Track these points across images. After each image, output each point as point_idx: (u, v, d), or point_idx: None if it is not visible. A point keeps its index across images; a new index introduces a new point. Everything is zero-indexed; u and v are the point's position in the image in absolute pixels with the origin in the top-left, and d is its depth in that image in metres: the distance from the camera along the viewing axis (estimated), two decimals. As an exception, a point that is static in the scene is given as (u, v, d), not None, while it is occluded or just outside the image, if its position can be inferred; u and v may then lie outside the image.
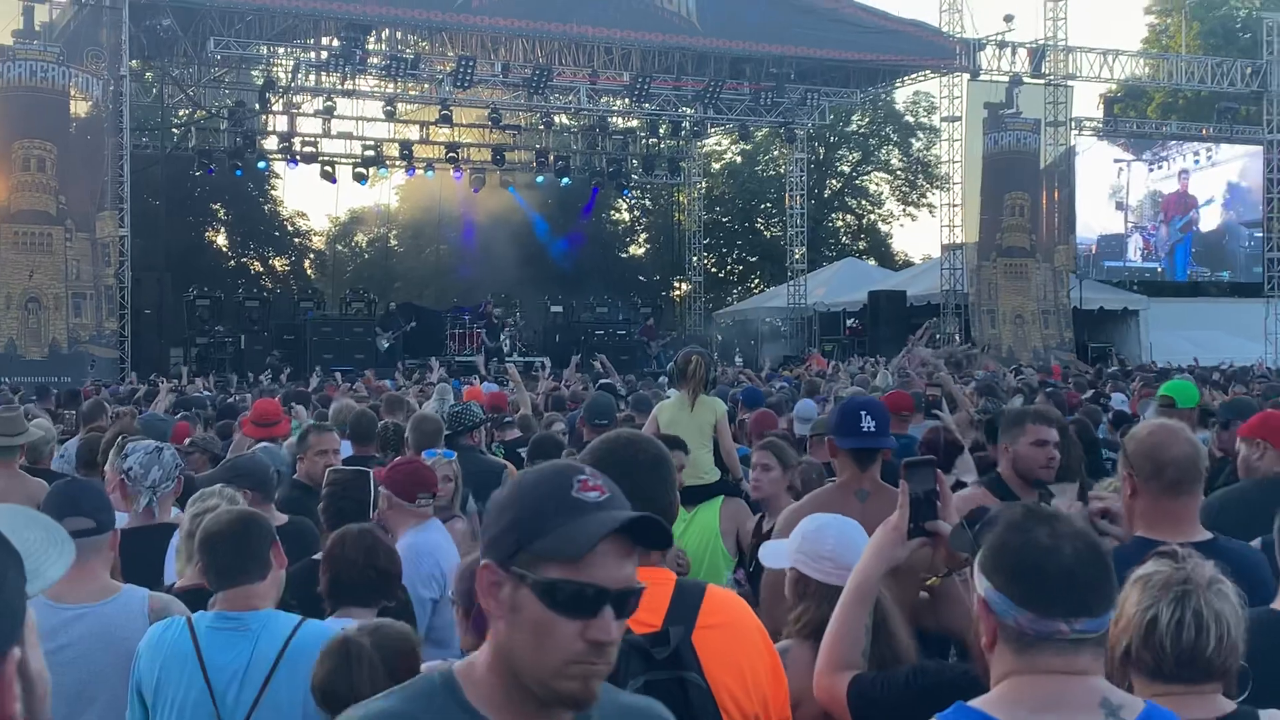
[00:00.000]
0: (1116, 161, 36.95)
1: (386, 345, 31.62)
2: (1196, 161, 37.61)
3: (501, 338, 32.15)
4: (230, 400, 14.87)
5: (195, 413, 12.07)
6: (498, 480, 7.82)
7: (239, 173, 36.26)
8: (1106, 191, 36.87)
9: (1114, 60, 34.79)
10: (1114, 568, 2.53)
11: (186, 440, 8.61)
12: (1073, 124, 34.96)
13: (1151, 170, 37.40)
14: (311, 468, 7.02)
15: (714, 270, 51.85)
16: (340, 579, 4.35)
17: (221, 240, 49.37)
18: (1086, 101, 63.52)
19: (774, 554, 3.84)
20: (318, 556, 5.08)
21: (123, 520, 5.21)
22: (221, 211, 47.80)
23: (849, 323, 37.11)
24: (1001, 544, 2.52)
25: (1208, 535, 3.87)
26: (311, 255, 52.49)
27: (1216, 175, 37.73)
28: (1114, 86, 37.30)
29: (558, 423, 10.73)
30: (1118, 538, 4.19)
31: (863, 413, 5.16)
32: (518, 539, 2.04)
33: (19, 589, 1.53)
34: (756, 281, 54.03)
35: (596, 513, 2.04)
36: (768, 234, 53.03)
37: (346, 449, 8.11)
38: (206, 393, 17.59)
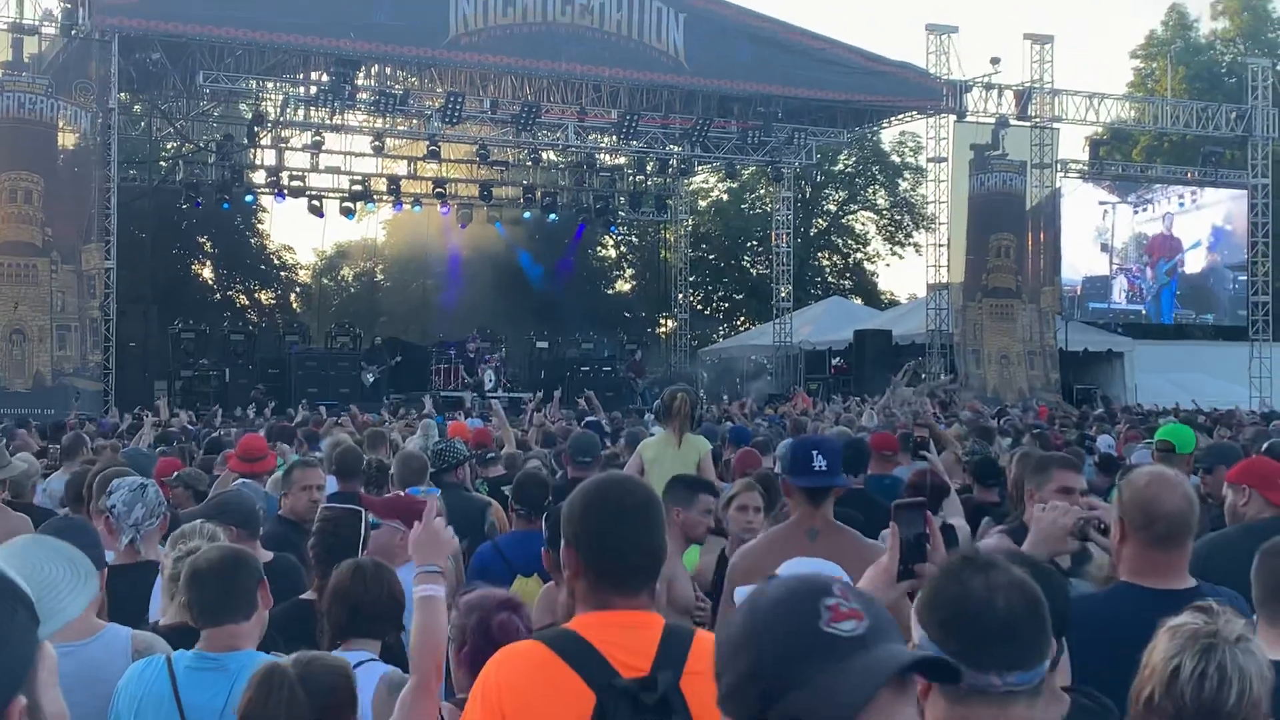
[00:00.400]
0: (1101, 204, 37.11)
1: (371, 380, 31.56)
2: (1181, 205, 37.80)
3: (486, 373, 32.11)
4: (215, 435, 14.80)
5: (179, 447, 12.02)
6: (481, 518, 7.80)
7: (226, 206, 36.26)
8: (1091, 234, 37.02)
9: (1100, 103, 35.01)
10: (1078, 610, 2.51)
11: (174, 474, 8.56)
12: (1058, 166, 35.14)
13: (1136, 213, 37.58)
14: (296, 503, 6.99)
15: (700, 307, 51.92)
16: (360, 611, 4.34)
17: (207, 273, 49.35)
18: (1072, 144, 63.88)
19: None
20: (306, 596, 5.05)
21: (108, 558, 5.17)
22: (208, 244, 47.80)
23: (834, 361, 37.19)
24: (935, 593, 2.50)
25: (1192, 583, 3.85)
26: (297, 289, 52.50)
27: (1201, 218, 37.92)
28: (1100, 129, 37.51)
29: (533, 460, 10.65)
30: (1105, 548, 4.19)
31: (814, 451, 5.19)
32: (763, 693, 1.70)
33: (27, 635, 1.51)
34: (742, 319, 54.15)
35: (860, 653, 1.70)
36: (754, 272, 53.18)
37: (331, 485, 8.08)
38: (190, 426, 17.52)
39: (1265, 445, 9.58)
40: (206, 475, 9.15)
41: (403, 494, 6.64)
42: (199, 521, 5.03)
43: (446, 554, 4.02)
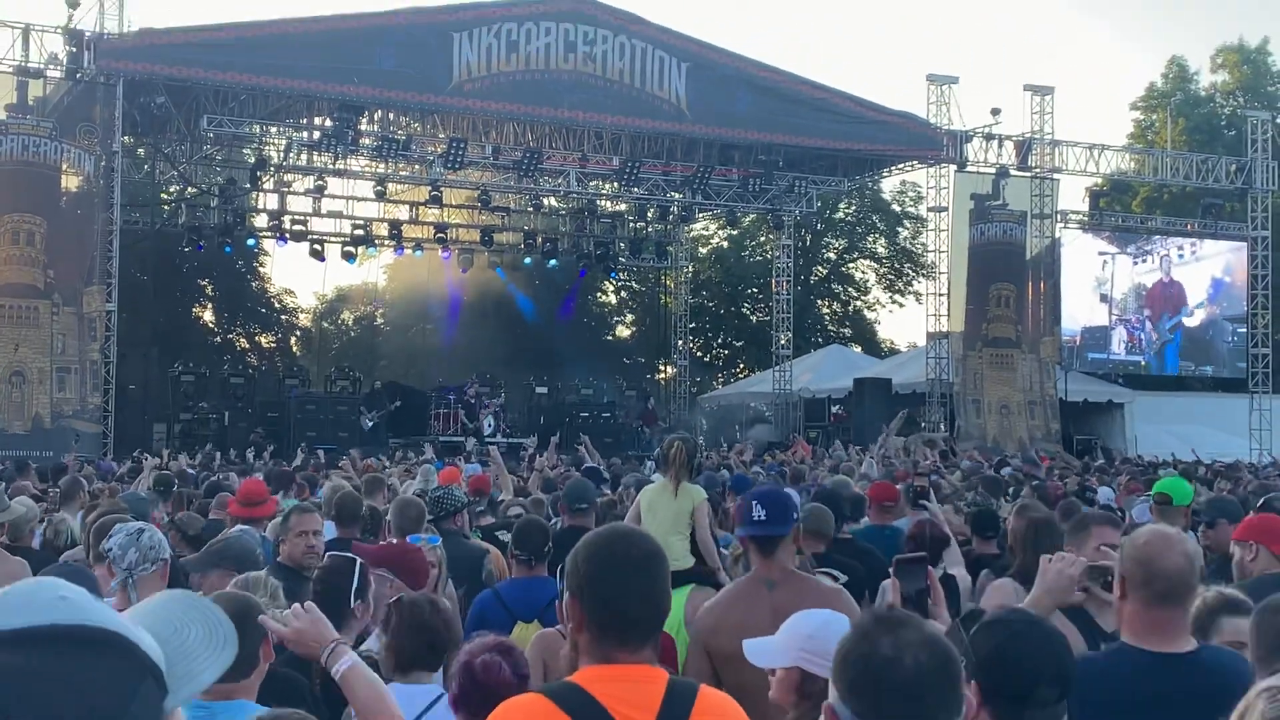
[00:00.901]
0: (1101, 254, 37.18)
1: (370, 424, 31.54)
2: (1180, 256, 37.88)
3: (486, 419, 32.09)
4: (214, 479, 14.78)
5: (179, 491, 11.99)
6: (479, 566, 7.78)
7: (228, 249, 36.35)
8: (1091, 284, 37.07)
9: (1100, 155, 35.15)
10: (1071, 665, 2.49)
11: (165, 519, 8.55)
12: (1058, 216, 35.25)
13: (1135, 264, 37.65)
14: (293, 549, 6.95)
15: (700, 354, 51.96)
16: (434, 645, 4.51)
17: (208, 316, 49.41)
18: (1072, 195, 64.12)
19: (763, 652, 3.78)
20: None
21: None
22: (209, 288, 47.88)
23: (834, 409, 37.17)
24: (845, 653, 2.50)
25: (1193, 645, 3.83)
26: (298, 333, 52.55)
27: (1201, 270, 37.98)
28: (1100, 180, 37.66)
29: (514, 508, 10.61)
30: (1106, 600, 4.18)
31: (754, 503, 5.24)
32: None
33: (152, 708, 1.40)
34: (742, 366, 54.19)
35: None
36: (754, 319, 53.24)
37: (330, 530, 8.06)
38: (189, 470, 17.51)
39: (1263, 500, 9.56)
40: (201, 518, 9.13)
41: (394, 542, 6.62)
42: (264, 575, 4.96)
43: (328, 636, 4.05)
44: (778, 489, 6.50)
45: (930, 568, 3.57)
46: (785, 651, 3.68)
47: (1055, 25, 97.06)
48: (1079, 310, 36.81)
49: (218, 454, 23.45)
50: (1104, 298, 37.28)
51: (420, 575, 5.65)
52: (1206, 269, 37.91)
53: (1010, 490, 13.61)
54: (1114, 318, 37.50)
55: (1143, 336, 37.85)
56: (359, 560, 5.36)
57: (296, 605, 4.12)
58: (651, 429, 34.40)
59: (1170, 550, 3.82)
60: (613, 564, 3.01)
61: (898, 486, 10.68)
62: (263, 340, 51.09)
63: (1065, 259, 35.79)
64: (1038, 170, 34.05)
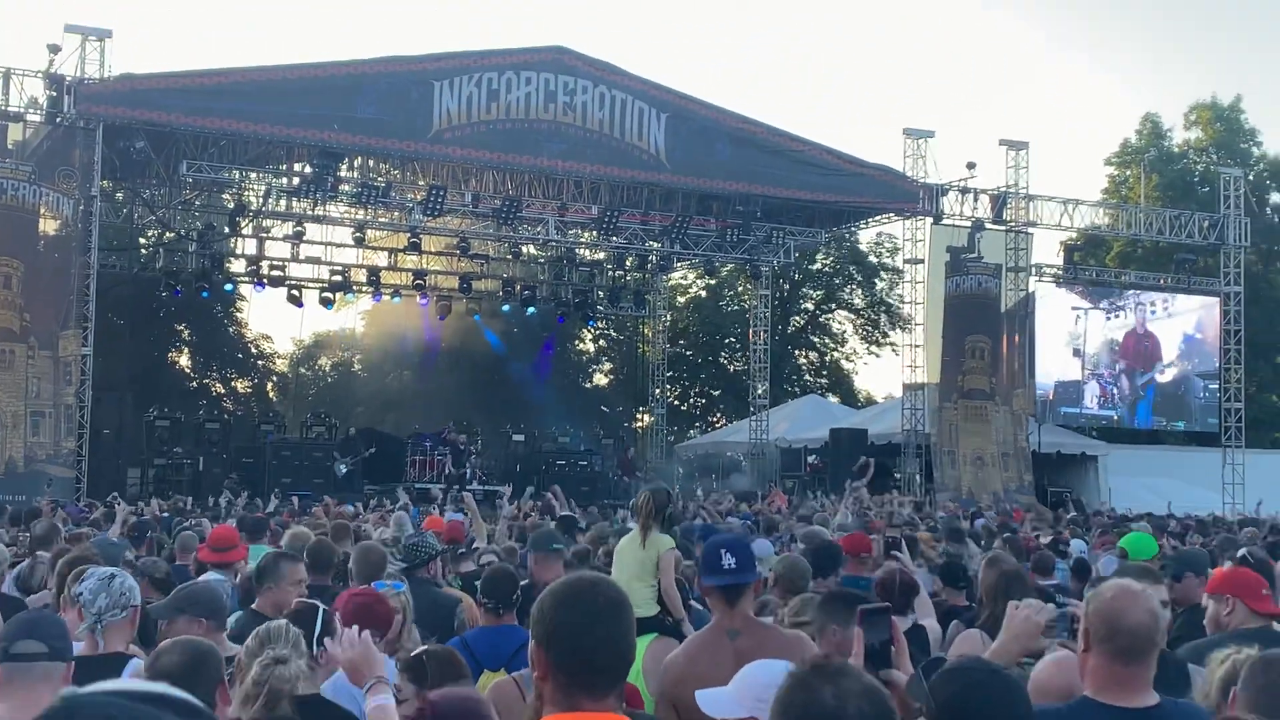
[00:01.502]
0: (1074, 309, 37.34)
1: (344, 471, 31.44)
2: (1153, 312, 38.07)
3: (463, 466, 32.03)
4: (186, 524, 14.69)
5: (152, 536, 11.95)
6: (451, 615, 7.76)
7: (205, 294, 36.24)
8: (1064, 338, 37.22)
9: (1074, 209, 35.41)
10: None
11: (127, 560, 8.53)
12: (1033, 270, 35.45)
13: (1109, 319, 37.82)
14: (284, 598, 6.86)
15: (677, 403, 51.99)
16: None
17: (184, 361, 49.27)
18: (1047, 248, 64.48)
19: (717, 703, 3.74)
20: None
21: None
22: (186, 332, 47.76)
23: (810, 459, 37.19)
24: (784, 703, 2.52)
25: (1155, 699, 3.85)
26: (274, 378, 52.39)
27: (1173, 326, 38.16)
28: (1074, 235, 37.91)
29: (485, 555, 10.58)
30: (1071, 648, 4.20)
31: (723, 551, 5.22)
32: None
33: None
34: (719, 415, 54.19)
35: None
36: (731, 368, 53.32)
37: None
38: (162, 515, 17.43)
39: (1240, 553, 9.61)
40: (165, 564, 9.10)
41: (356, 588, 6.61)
42: (284, 625, 4.86)
43: (375, 670, 4.08)
44: (740, 537, 6.53)
45: (894, 618, 3.59)
46: (741, 702, 3.64)
47: (1030, 81, 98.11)
48: (1052, 364, 36.93)
49: (190, 499, 23.32)
50: (1077, 352, 37.43)
51: (383, 622, 5.63)
52: (1179, 325, 38.11)
53: (983, 542, 13.65)
54: (1087, 373, 37.63)
55: (1115, 391, 37.97)
56: (322, 606, 5.36)
57: (350, 632, 4.13)
58: (630, 478, 34.35)
59: (1135, 606, 3.85)
60: (578, 611, 3.03)
61: (872, 537, 10.71)
62: (239, 385, 50.93)
63: (1039, 313, 35.95)
64: (1013, 224, 34.26)
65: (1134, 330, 37.84)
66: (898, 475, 34.53)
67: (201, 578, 8.12)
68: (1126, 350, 37.77)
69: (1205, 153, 50.22)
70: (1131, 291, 38.36)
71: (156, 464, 31.23)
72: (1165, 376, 38.20)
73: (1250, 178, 42.53)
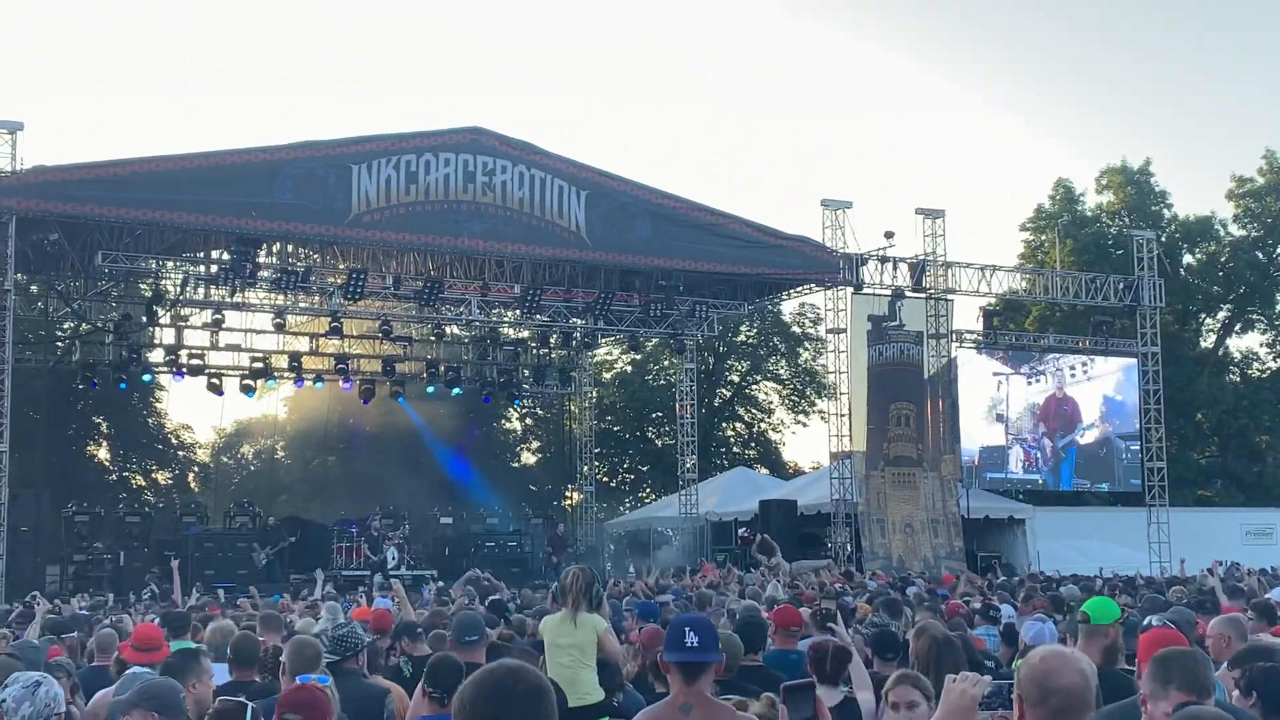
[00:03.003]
0: (995, 375, 37.75)
1: (264, 561, 30.97)
2: (1073, 375, 38.54)
3: (380, 551, 31.67)
4: (106, 624, 14.35)
5: (75, 637, 11.68)
6: (379, 706, 7.59)
7: (123, 386, 35.79)
8: (986, 404, 37.60)
9: (991, 275, 35.87)
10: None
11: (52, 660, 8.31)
12: (954, 336, 35.81)
13: (1030, 384, 38.24)
14: (204, 694, 6.79)
15: (605, 479, 51.84)
16: None
17: (103, 454, 48.51)
18: (967, 314, 65.26)
19: None
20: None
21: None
22: (104, 425, 47.09)
23: (740, 532, 37.10)
24: None
25: None
26: (195, 468, 51.71)
27: (1093, 389, 38.62)
28: (993, 300, 38.41)
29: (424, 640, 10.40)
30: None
31: (687, 629, 5.42)
32: None
33: None
34: (648, 490, 54.11)
35: None
36: (659, 443, 53.37)
37: (223, 673, 7.86)
38: (83, 612, 17.04)
39: (1145, 621, 9.61)
40: (72, 664, 8.92)
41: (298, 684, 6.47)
42: None
43: None
44: (704, 619, 6.56)
45: (819, 695, 3.56)
46: None
47: (945, 149, 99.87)
48: (976, 430, 37.26)
49: (111, 595, 22.84)
50: (1000, 417, 37.81)
51: (328, 717, 5.54)
52: (1098, 387, 38.60)
53: (912, 612, 13.62)
54: (1010, 437, 38.00)
55: (1039, 455, 38.35)
56: (250, 705, 5.27)
57: None
58: (560, 555, 34.10)
59: (1067, 668, 3.89)
60: (498, 700, 2.98)
61: (802, 610, 10.65)
62: (159, 477, 50.21)
63: (961, 379, 36.29)
64: (932, 291, 34.64)
65: (1054, 395, 38.28)
66: (828, 544, 34.56)
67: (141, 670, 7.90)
68: (1047, 414, 38.19)
69: (1117, 216, 51.14)
70: (1051, 355, 38.86)
71: (76, 560, 30.65)
72: (1087, 438, 38.62)
73: (1162, 239, 43.34)
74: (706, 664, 5.37)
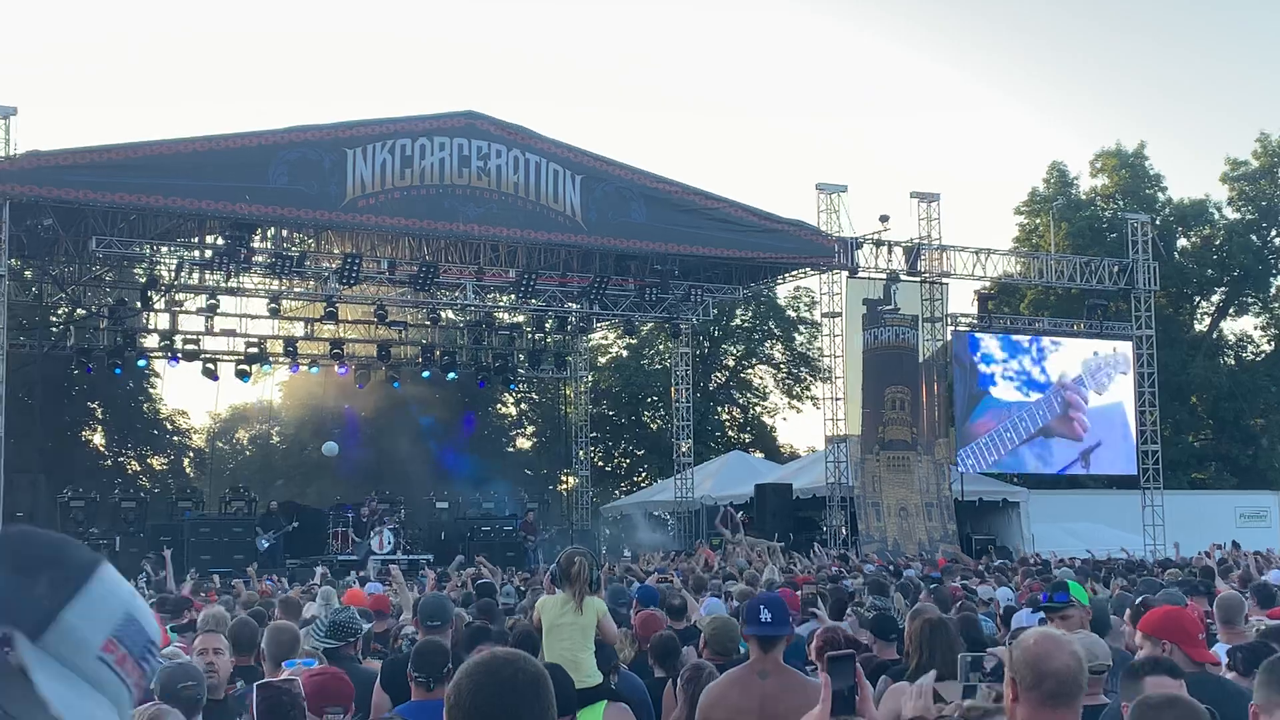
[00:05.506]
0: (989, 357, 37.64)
1: (266, 545, 30.95)
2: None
3: (385, 535, 31.67)
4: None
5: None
6: (370, 691, 7.59)
7: (118, 371, 35.71)
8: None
9: (986, 259, 35.86)
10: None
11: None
12: (949, 320, 35.80)
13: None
14: (225, 665, 6.92)
15: (601, 463, 51.85)
16: None
17: (98, 440, 48.42)
18: (962, 298, 65.32)
19: None
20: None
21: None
22: (99, 410, 47.00)
23: (737, 516, 37.12)
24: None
25: None
26: (191, 454, 51.65)
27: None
28: (988, 284, 38.40)
29: (408, 626, 10.44)
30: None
31: (761, 606, 6.38)
32: None
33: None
34: (644, 474, 54.11)
35: None
36: (654, 427, 53.34)
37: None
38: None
39: (1160, 595, 9.65)
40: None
41: (320, 668, 6.50)
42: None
43: None
44: (777, 596, 7.46)
45: (859, 666, 3.65)
46: None
47: (939, 133, 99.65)
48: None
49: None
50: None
51: (346, 699, 5.61)
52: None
53: (909, 596, 13.66)
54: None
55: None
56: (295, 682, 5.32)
57: None
58: (531, 538, 34.03)
59: (1059, 651, 3.91)
60: (493, 690, 2.95)
61: (797, 593, 10.69)
62: (155, 463, 50.15)
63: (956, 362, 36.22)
64: (927, 275, 34.64)
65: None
66: (824, 528, 34.60)
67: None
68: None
69: (1112, 199, 51.12)
70: (1047, 338, 38.79)
71: (72, 545, 30.54)
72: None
73: (1157, 222, 43.32)
74: (779, 636, 6.28)
